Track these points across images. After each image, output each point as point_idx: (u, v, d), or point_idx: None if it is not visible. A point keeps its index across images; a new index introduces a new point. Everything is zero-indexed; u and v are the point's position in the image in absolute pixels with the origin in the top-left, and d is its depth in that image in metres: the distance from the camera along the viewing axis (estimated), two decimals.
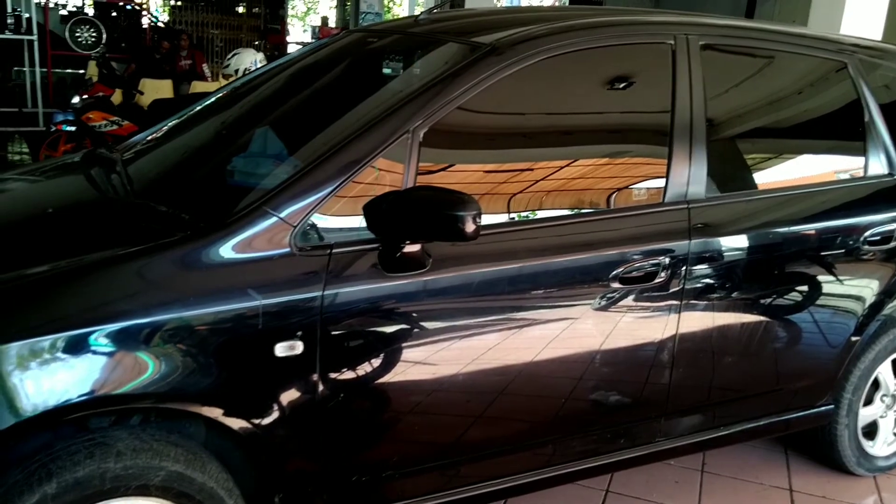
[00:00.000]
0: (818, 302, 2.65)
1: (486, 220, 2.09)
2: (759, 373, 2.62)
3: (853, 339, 2.76)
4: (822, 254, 2.61)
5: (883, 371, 2.96)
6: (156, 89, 8.59)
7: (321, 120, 2.19)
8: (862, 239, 2.66)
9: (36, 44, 9.42)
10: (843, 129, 2.82)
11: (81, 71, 10.65)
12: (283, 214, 1.84)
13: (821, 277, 2.62)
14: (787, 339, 2.62)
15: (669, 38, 2.41)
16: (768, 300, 2.54)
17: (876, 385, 2.99)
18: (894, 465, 3.10)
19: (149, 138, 2.67)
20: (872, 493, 2.99)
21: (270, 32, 16.25)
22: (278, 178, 1.93)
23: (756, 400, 2.66)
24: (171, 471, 1.75)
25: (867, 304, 2.74)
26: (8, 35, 9.54)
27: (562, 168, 2.30)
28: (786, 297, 2.59)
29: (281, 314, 1.81)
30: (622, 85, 2.43)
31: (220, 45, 14.51)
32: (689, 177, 2.36)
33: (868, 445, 3.03)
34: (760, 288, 2.52)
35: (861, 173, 2.77)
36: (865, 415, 2.98)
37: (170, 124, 2.72)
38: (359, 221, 1.92)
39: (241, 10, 16.86)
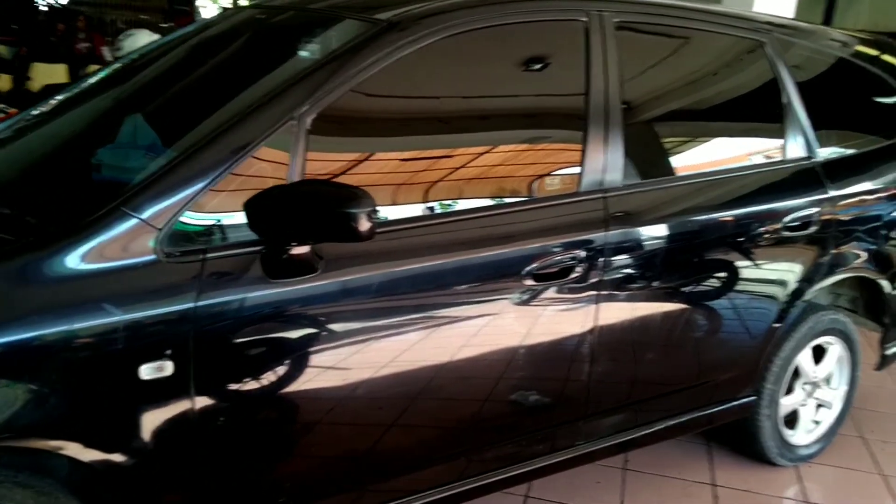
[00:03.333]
0: (739, 290, 2.54)
1: (385, 215, 1.90)
2: (681, 367, 2.50)
3: (774, 326, 2.68)
4: (742, 241, 2.50)
5: (803, 359, 2.89)
6: (49, 74, 8.07)
7: (198, 107, 1.95)
8: (781, 224, 2.56)
9: None
10: (761, 111, 2.72)
11: None
12: (145, 216, 1.59)
13: (741, 265, 2.51)
14: (708, 330, 2.51)
15: (582, 15, 2.24)
16: (689, 291, 2.42)
17: (796, 373, 2.92)
18: (815, 453, 3.05)
19: (9, 129, 2.36)
20: (795, 483, 2.93)
21: (178, 14, 15.53)
22: (143, 173, 1.68)
23: (678, 395, 2.54)
24: None
25: (788, 290, 2.65)
26: None
27: (468, 157, 2.11)
28: (706, 286, 2.47)
29: (145, 331, 1.57)
30: (533, 65, 2.25)
31: (122, 27, 13.79)
32: (606, 164, 2.21)
33: (789, 435, 2.96)
34: (681, 278, 2.39)
35: (780, 156, 2.67)
36: (787, 404, 2.91)
37: (34, 113, 2.41)
38: (237, 221, 1.69)
39: None
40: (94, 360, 1.53)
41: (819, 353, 2.99)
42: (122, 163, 1.91)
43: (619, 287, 2.23)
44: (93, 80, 2.51)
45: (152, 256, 1.59)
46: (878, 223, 2.86)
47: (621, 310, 2.26)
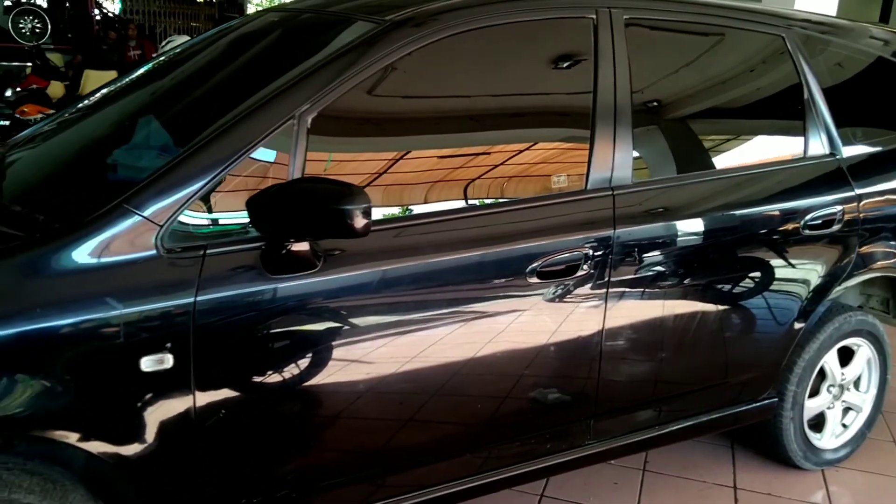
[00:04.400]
0: (757, 290, 2.50)
1: (388, 213, 1.93)
2: (695, 368, 2.46)
3: (796, 327, 2.62)
4: (760, 240, 2.47)
5: (829, 360, 2.83)
6: (100, 81, 8.28)
7: (204, 108, 2.00)
8: (803, 223, 2.51)
9: None
10: (781, 108, 2.67)
11: (30, 63, 10.29)
12: (147, 213, 1.64)
13: (758, 265, 2.48)
14: (723, 330, 2.46)
15: (590, 13, 2.24)
16: (703, 291, 2.38)
17: (822, 375, 2.86)
18: (842, 457, 2.98)
19: (39, 132, 2.45)
20: (820, 487, 2.86)
21: (227, 22, 15.85)
22: (147, 172, 1.73)
23: (692, 396, 2.51)
24: (22, 503, 1.56)
25: (811, 290, 2.60)
26: None
27: (473, 155, 2.13)
28: (721, 286, 2.43)
29: (146, 324, 1.61)
30: (540, 63, 2.25)
31: (173, 34, 14.13)
32: (614, 161, 2.20)
33: (815, 438, 2.90)
34: (694, 278, 2.36)
35: (801, 154, 2.62)
36: (811, 407, 2.84)
37: (62, 117, 2.50)
38: (238, 219, 1.74)
39: None
40: (97, 352, 1.58)
41: (847, 356, 2.93)
42: (133, 162, 1.97)
43: (628, 285, 2.21)
44: (115, 85, 2.58)
45: (153, 252, 1.64)
46: None
47: (630, 308, 2.24)
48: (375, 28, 2.00)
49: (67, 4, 12.80)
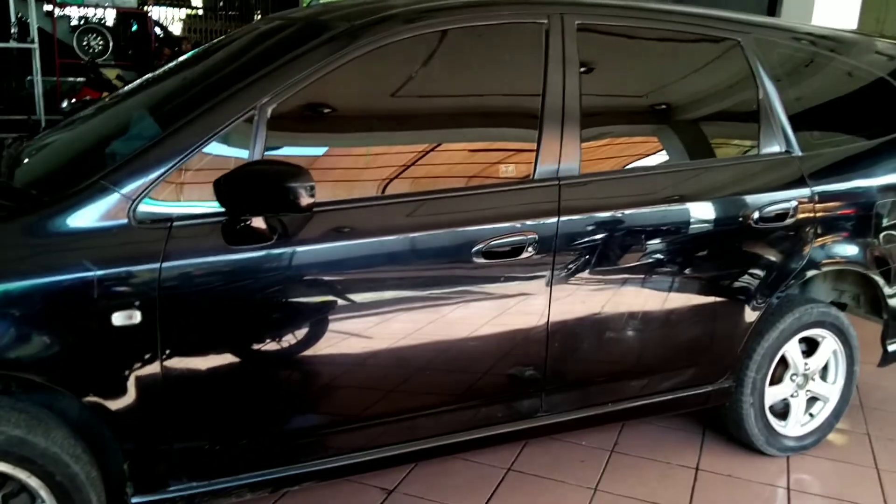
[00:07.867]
0: (705, 278, 2.65)
1: (339, 196, 2.16)
2: (641, 349, 2.62)
3: (749, 315, 2.75)
4: (708, 231, 2.61)
5: (790, 350, 2.94)
6: None
7: (183, 102, 2.26)
8: (756, 216, 2.66)
9: (37, 52, 9.62)
10: (735, 108, 2.82)
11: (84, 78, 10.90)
12: (122, 189, 1.91)
13: (707, 254, 2.63)
14: (670, 314, 2.61)
15: (542, 18, 2.44)
16: (647, 276, 2.53)
17: (785, 364, 2.97)
18: (808, 445, 3.08)
19: (56, 128, 2.76)
20: (782, 473, 2.97)
21: None
22: (125, 155, 2.00)
23: (640, 377, 2.66)
24: (10, 435, 1.81)
25: (762, 281, 2.73)
26: (11, 44, 9.75)
27: (427, 148, 2.34)
28: (666, 273, 2.57)
29: (117, 285, 1.87)
30: (493, 65, 2.45)
31: None
32: (561, 155, 2.38)
33: (779, 425, 3.01)
34: (637, 264, 2.51)
35: (755, 151, 2.76)
36: (773, 394, 2.96)
37: (76, 116, 2.81)
38: (202, 196, 1.98)
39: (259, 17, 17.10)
40: (75, 306, 1.84)
41: (814, 347, 3.03)
42: (121, 150, 2.23)
43: (572, 270, 2.39)
44: (134, 84, 2.89)
45: (124, 222, 1.90)
46: (864, 219, 2.89)
47: (575, 291, 2.41)
48: (336, 31, 2.24)
49: (134, 25, 13.49)
